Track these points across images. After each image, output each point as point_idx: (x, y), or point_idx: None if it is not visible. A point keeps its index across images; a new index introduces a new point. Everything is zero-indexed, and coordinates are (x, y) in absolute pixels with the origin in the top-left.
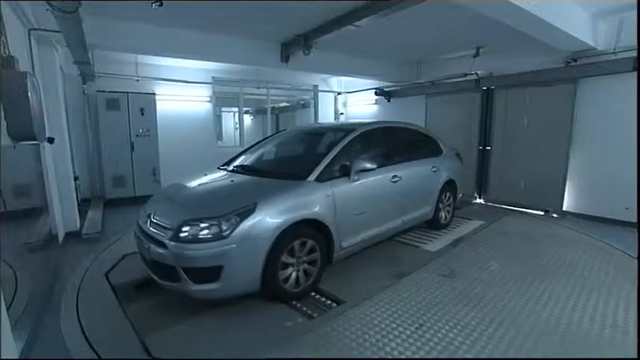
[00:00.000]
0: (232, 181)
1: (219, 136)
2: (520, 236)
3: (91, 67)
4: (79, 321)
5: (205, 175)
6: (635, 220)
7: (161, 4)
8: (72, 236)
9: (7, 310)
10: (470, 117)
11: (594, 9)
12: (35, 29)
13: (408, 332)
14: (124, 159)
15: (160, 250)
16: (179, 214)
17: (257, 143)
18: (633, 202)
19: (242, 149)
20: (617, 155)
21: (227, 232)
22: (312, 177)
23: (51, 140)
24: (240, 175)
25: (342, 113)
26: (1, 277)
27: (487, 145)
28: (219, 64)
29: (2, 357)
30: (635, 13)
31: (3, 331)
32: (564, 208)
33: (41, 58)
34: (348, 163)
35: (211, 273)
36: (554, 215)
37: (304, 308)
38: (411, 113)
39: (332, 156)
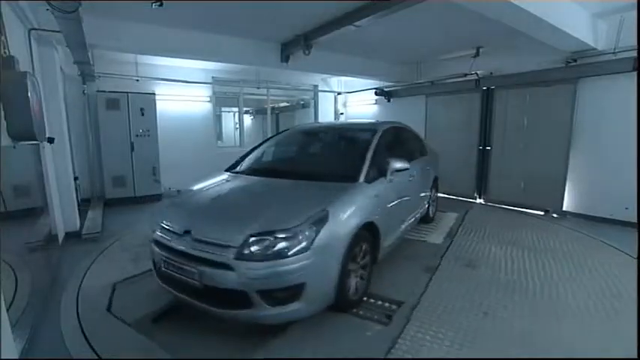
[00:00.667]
0: (269, 185)
1: (219, 136)
2: (496, 225)
3: (91, 67)
4: (79, 321)
5: (228, 181)
6: (635, 220)
7: (161, 4)
8: (72, 236)
9: (7, 310)
10: (470, 117)
11: (594, 9)
12: (35, 29)
13: (478, 321)
14: (124, 159)
15: (221, 273)
16: (238, 227)
17: (262, 144)
18: (633, 202)
19: (248, 150)
20: (617, 155)
21: (306, 244)
22: (361, 178)
23: (51, 140)
24: (273, 179)
25: (342, 113)
26: (1, 277)
27: (487, 145)
28: (219, 64)
29: (2, 357)
30: (635, 13)
31: (3, 331)
32: (564, 208)
33: (41, 58)
34: (383, 163)
35: (293, 292)
36: (555, 215)
37: (369, 314)
38: (411, 113)
39: (370, 156)
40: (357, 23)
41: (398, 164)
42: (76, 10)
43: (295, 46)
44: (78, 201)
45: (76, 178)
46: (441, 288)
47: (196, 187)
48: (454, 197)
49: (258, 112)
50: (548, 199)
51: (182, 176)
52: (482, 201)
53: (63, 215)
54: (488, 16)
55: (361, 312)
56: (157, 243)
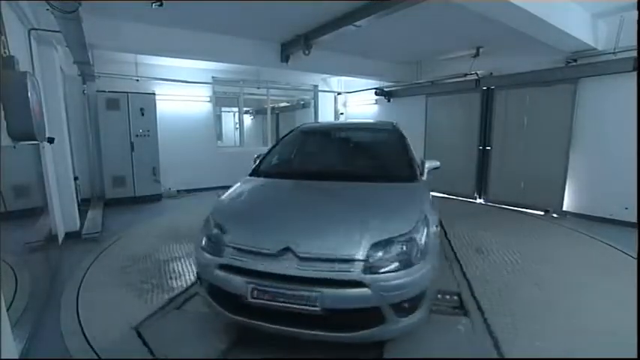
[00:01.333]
0: (334, 188)
1: (219, 136)
2: (471, 215)
3: (91, 67)
4: (79, 321)
5: (277, 186)
6: (635, 220)
7: (161, 4)
8: (72, 236)
9: (7, 310)
10: (470, 117)
11: (594, 9)
12: (35, 29)
13: (536, 296)
14: (124, 159)
15: (352, 292)
16: (355, 237)
17: (275, 145)
18: (633, 202)
19: (266, 152)
20: (617, 155)
21: (424, 248)
22: (418, 178)
23: (51, 140)
24: (330, 182)
25: (342, 113)
26: (1, 277)
27: (487, 145)
28: (219, 64)
29: (2, 357)
30: (635, 13)
31: (3, 331)
32: (564, 208)
33: (41, 58)
34: (420, 161)
35: (418, 300)
36: (555, 215)
37: (441, 309)
38: (411, 113)
39: (412, 156)
40: (357, 23)
41: (432, 163)
42: (76, 10)
43: (295, 46)
44: (78, 201)
45: (76, 178)
46: (477, 273)
47: (236, 194)
48: (454, 197)
49: (258, 112)
50: (548, 199)
51: (182, 176)
52: (482, 201)
53: (63, 215)
54: (488, 16)
55: (433, 307)
56: (233, 269)
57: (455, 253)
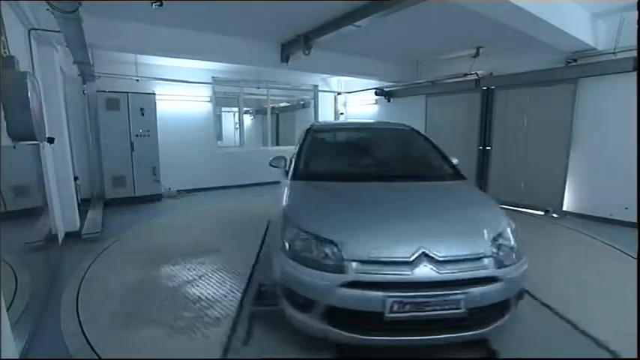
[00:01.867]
0: (400, 188)
1: (219, 136)
2: None
3: (91, 67)
4: (79, 321)
5: (345, 189)
6: (635, 220)
7: (161, 4)
8: (72, 236)
9: (7, 310)
10: (470, 117)
11: (594, 9)
12: (35, 29)
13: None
14: (124, 159)
15: (490, 289)
16: (478, 233)
17: (302, 148)
18: (633, 202)
19: (298, 155)
20: (617, 155)
21: (516, 239)
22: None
23: (51, 140)
24: (391, 183)
25: (342, 113)
26: (1, 277)
27: (487, 145)
28: (219, 64)
29: (2, 357)
30: (635, 13)
31: (3, 331)
32: (564, 208)
33: (41, 58)
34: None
35: (523, 290)
36: (555, 215)
37: None
38: (411, 113)
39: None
40: (357, 23)
41: (455, 160)
42: (76, 10)
43: (295, 46)
44: (78, 201)
45: (76, 178)
46: None
47: (314, 202)
48: None
49: (258, 112)
50: (548, 199)
51: (182, 176)
52: None
53: (63, 215)
54: (488, 16)
55: None
56: (362, 285)
57: None
